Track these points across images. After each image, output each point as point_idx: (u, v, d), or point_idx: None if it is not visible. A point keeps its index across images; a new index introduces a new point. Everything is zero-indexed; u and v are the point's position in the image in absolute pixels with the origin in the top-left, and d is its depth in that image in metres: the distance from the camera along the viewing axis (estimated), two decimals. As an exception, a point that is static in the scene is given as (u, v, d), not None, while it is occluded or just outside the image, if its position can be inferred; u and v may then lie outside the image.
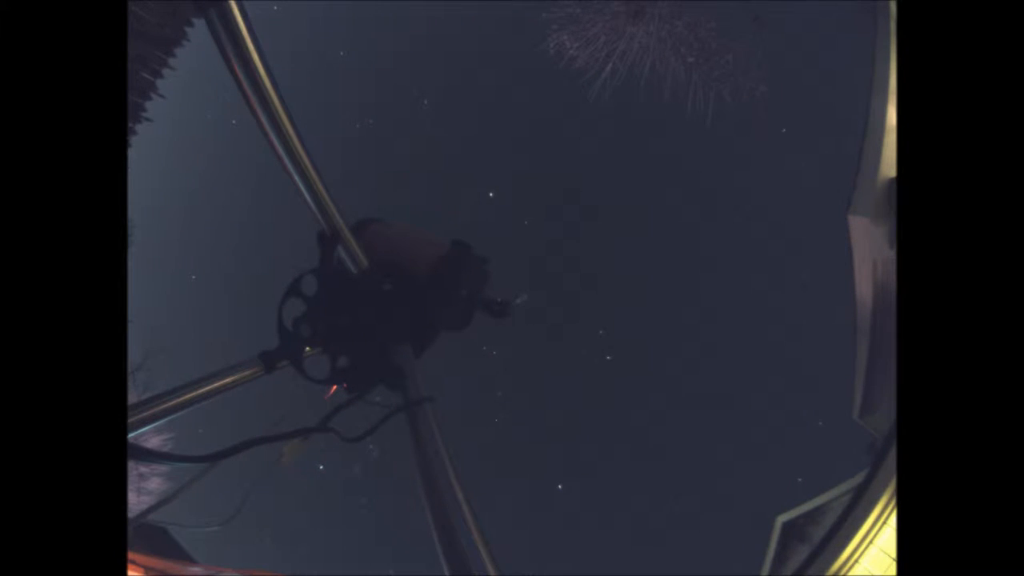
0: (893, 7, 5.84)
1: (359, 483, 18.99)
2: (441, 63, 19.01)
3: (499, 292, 1.46)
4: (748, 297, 18.23)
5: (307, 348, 1.18)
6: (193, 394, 1.03)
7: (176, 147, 17.97)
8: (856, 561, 3.94)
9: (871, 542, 3.96)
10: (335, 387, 1.18)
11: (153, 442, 8.48)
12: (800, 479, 16.47)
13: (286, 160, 1.00)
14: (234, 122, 17.53)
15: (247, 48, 0.85)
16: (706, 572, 17.37)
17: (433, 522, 0.78)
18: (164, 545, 8.96)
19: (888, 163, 5.64)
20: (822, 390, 16.12)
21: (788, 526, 7.12)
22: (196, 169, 19.68)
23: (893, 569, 3.88)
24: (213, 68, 0.91)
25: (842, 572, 3.92)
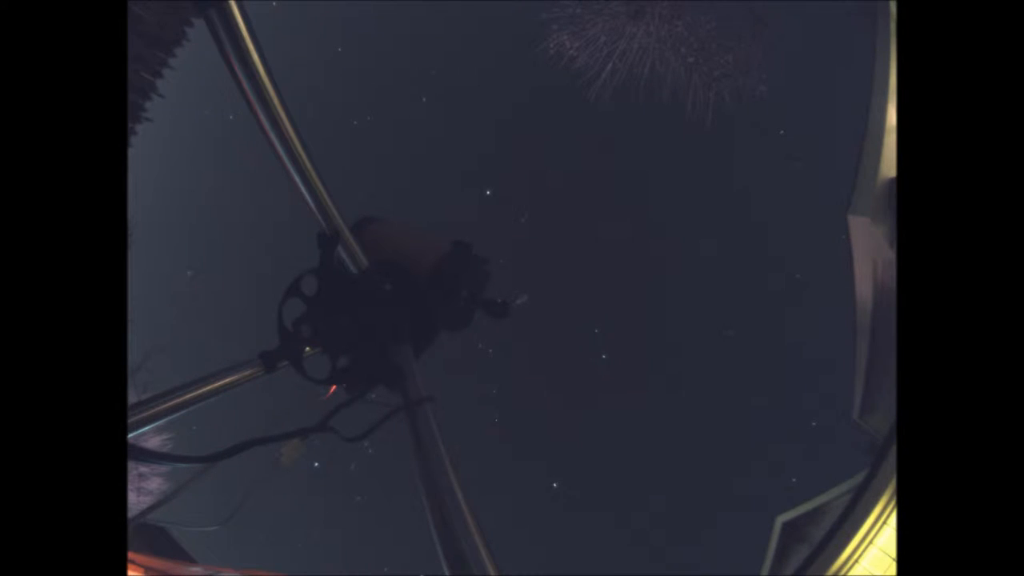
0: (893, 7, 5.84)
1: (356, 481, 19.02)
2: (440, 61, 19.05)
3: (499, 292, 1.45)
4: (747, 297, 18.25)
5: (307, 348, 1.17)
6: (193, 394, 1.03)
7: (176, 147, 17.96)
8: (856, 561, 3.94)
9: (871, 542, 3.96)
10: (335, 387, 1.18)
11: (153, 442, 8.47)
12: (794, 479, 16.52)
13: (286, 160, 1.00)
14: (231, 117, 17.51)
15: (247, 48, 0.85)
16: (706, 572, 17.39)
17: (433, 522, 0.78)
18: (164, 545, 8.95)
19: (888, 163, 5.64)
20: (821, 390, 16.15)
21: (788, 526, 7.12)
22: (196, 168, 19.70)
23: (893, 569, 3.88)
24: (213, 68, 0.91)
25: (842, 572, 3.92)
